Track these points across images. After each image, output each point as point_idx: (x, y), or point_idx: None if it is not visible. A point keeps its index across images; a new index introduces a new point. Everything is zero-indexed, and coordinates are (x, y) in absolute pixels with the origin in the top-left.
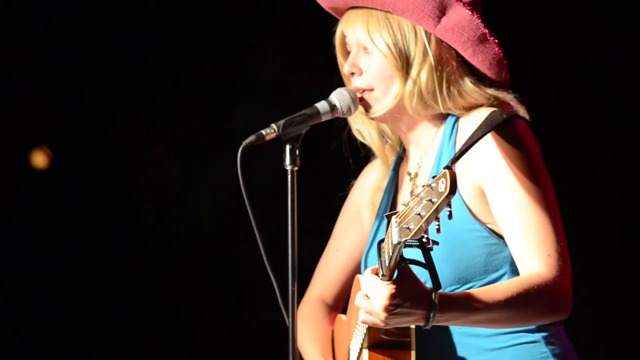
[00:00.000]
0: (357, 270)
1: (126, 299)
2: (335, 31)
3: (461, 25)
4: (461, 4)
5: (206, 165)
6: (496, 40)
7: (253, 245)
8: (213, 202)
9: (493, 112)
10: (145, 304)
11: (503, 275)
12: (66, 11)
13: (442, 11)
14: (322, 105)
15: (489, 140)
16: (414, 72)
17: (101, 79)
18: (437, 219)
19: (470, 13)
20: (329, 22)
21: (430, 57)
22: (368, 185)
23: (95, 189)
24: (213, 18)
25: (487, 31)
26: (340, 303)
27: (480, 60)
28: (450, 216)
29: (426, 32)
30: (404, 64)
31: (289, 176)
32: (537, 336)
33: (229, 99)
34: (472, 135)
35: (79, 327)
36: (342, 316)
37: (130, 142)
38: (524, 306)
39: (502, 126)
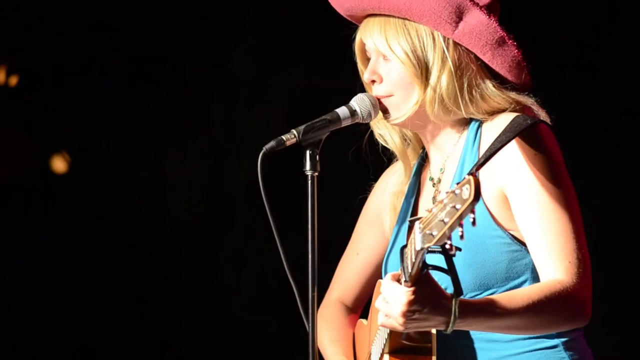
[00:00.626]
0: (377, 273)
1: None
2: (354, 38)
3: (479, 29)
4: (478, 7)
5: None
6: (515, 43)
7: (232, 240)
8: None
9: (517, 117)
10: (130, 298)
11: (524, 282)
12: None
13: (459, 16)
14: (342, 111)
15: (513, 146)
16: (433, 78)
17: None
18: (461, 225)
19: (487, 16)
20: (303, 19)
21: (449, 62)
22: (389, 189)
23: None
24: (187, 15)
25: (505, 34)
26: (359, 305)
27: (500, 63)
28: (474, 222)
29: (444, 38)
30: (423, 70)
31: (309, 182)
32: (557, 341)
33: (207, 96)
34: (496, 140)
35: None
36: (363, 320)
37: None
38: (544, 313)
39: (526, 132)
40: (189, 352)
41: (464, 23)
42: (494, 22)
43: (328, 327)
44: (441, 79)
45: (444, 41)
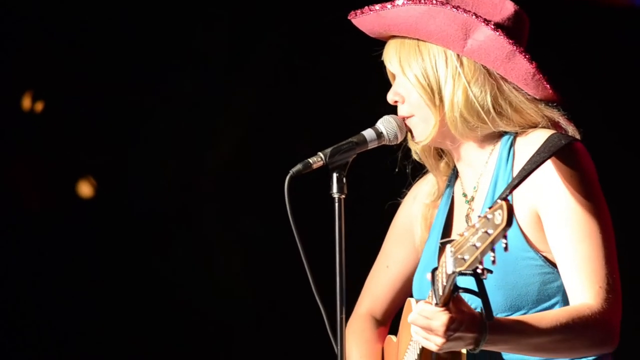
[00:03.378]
0: (406, 286)
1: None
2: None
3: (486, 45)
4: (485, 23)
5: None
6: (527, 56)
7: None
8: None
9: (552, 135)
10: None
11: (555, 304)
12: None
13: (466, 33)
14: (369, 133)
15: (549, 166)
16: (448, 97)
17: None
18: (493, 250)
19: (493, 32)
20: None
21: (464, 79)
22: (420, 198)
23: None
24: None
25: (515, 48)
26: (389, 318)
27: (514, 77)
28: (506, 248)
29: (457, 55)
30: (436, 91)
31: (336, 204)
32: None
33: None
34: (530, 161)
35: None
36: (393, 337)
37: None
38: (571, 337)
39: (561, 151)
40: (174, 336)
41: (472, 40)
42: (501, 36)
43: (357, 341)
44: (457, 96)
45: (457, 58)
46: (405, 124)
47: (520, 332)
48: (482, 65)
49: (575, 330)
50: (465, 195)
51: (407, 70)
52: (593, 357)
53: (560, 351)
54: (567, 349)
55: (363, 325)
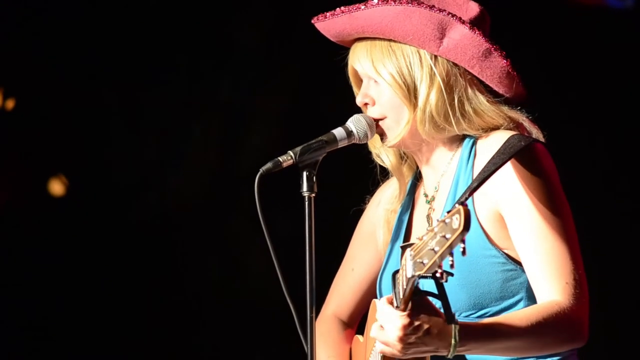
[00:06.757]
0: (372, 288)
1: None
2: (347, 63)
3: (463, 44)
4: (461, 22)
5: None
6: (502, 53)
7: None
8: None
9: (512, 137)
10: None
11: (519, 301)
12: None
13: (442, 32)
14: (339, 132)
15: (508, 167)
16: (422, 96)
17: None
18: (451, 254)
19: (470, 30)
20: None
21: (438, 78)
22: (382, 205)
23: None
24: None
25: (490, 45)
26: (355, 320)
27: (489, 75)
28: (464, 252)
29: (431, 55)
30: (411, 89)
31: (306, 202)
32: None
33: (215, 78)
34: (490, 162)
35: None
36: (359, 337)
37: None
38: (542, 335)
39: (521, 152)
40: (197, 336)
41: (448, 39)
42: (478, 35)
43: (324, 342)
44: (430, 95)
45: (432, 58)
46: (378, 126)
47: (491, 337)
48: (455, 65)
49: (547, 328)
50: (426, 195)
51: (382, 69)
52: (558, 358)
53: (533, 350)
54: (539, 347)
55: (330, 326)
